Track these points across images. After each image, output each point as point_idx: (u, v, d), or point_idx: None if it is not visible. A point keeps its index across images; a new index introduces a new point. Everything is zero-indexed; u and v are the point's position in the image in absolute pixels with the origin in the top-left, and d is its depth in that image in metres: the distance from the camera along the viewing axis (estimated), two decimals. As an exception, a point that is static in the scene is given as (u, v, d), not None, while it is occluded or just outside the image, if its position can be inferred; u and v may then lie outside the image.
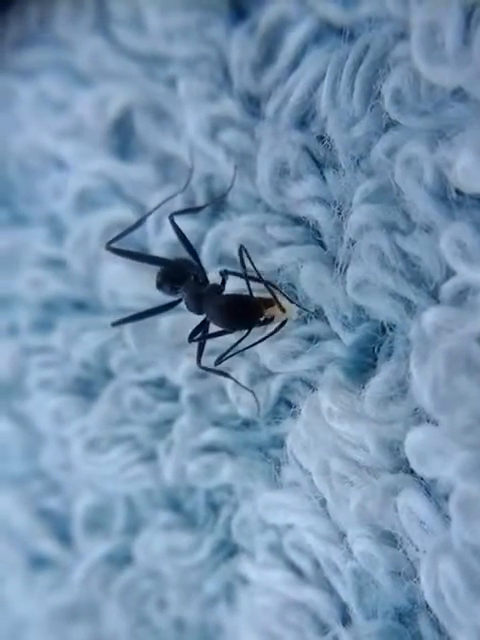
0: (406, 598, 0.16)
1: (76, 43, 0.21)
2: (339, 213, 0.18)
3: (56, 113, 0.21)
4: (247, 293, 0.17)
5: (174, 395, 0.21)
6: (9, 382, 0.23)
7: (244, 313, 0.17)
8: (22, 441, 0.23)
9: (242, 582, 0.20)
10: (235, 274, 0.18)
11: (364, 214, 0.17)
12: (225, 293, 0.18)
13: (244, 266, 0.17)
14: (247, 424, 0.20)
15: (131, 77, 0.20)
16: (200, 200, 0.20)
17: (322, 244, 0.18)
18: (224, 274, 0.18)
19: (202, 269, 0.19)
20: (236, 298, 0.18)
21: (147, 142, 0.20)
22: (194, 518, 0.21)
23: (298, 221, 0.19)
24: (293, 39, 0.18)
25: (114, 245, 0.20)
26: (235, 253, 0.19)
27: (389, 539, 0.17)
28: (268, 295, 0.17)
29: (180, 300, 0.19)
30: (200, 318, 0.19)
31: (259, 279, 0.17)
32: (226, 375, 0.19)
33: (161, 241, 0.20)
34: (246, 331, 0.18)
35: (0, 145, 0.22)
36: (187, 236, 0.19)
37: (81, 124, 0.21)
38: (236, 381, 0.19)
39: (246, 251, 0.17)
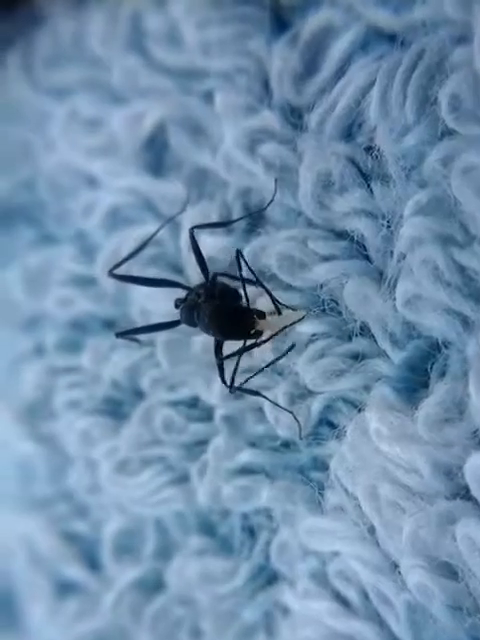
0: (468, 636, 0.16)
1: (110, 61, 0.21)
2: (388, 226, 0.17)
3: (88, 131, 0.21)
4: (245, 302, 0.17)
5: (208, 415, 0.20)
6: (36, 403, 0.23)
7: (235, 322, 0.17)
8: (49, 463, 0.23)
9: (282, 612, 0.19)
10: (228, 276, 0.18)
11: (416, 227, 0.16)
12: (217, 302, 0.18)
13: (240, 270, 0.17)
14: (286, 445, 0.19)
15: (166, 92, 0.20)
16: (235, 215, 0.19)
17: (368, 259, 0.18)
18: (214, 278, 0.18)
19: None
20: (227, 306, 0.18)
21: (181, 158, 0.20)
22: (229, 543, 0.20)
23: (341, 235, 0.18)
24: (339, 47, 0.17)
25: (117, 271, 0.20)
26: (274, 269, 0.18)
27: (447, 571, 0.16)
28: (259, 307, 0.17)
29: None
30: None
31: (256, 282, 0.17)
32: (259, 394, 0.18)
33: (195, 258, 0.20)
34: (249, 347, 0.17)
35: (30, 164, 0.22)
36: (221, 252, 0.19)
37: (114, 141, 0.21)
38: (272, 402, 0.18)
39: (242, 255, 0.17)
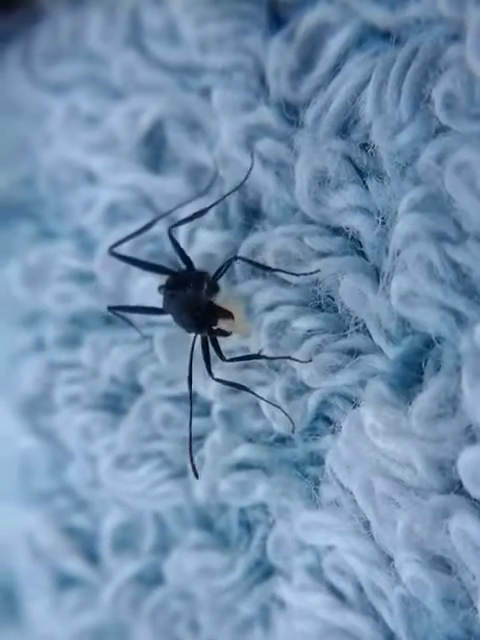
0: (461, 628, 0.16)
1: (109, 57, 0.21)
2: (383, 223, 0.17)
3: (87, 127, 0.21)
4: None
5: (205, 410, 0.20)
6: (36, 398, 0.23)
7: (195, 315, 0.17)
8: (49, 457, 0.23)
9: (279, 605, 0.19)
10: (249, 262, 0.18)
11: (411, 223, 0.16)
12: (187, 294, 0.18)
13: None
14: (283, 440, 0.19)
15: (164, 89, 0.20)
16: (232, 211, 0.19)
17: (363, 255, 0.18)
18: (232, 261, 0.18)
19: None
20: (193, 299, 0.17)
21: (179, 154, 0.20)
22: (227, 537, 0.20)
23: (337, 231, 0.18)
24: (334, 44, 0.17)
25: (116, 250, 0.20)
26: (270, 265, 0.18)
27: (441, 564, 0.16)
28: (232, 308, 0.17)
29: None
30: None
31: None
32: (244, 388, 0.18)
33: (193, 255, 0.20)
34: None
35: (30, 160, 0.22)
36: (219, 248, 0.19)
37: (113, 137, 0.21)
38: (256, 394, 0.18)
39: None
